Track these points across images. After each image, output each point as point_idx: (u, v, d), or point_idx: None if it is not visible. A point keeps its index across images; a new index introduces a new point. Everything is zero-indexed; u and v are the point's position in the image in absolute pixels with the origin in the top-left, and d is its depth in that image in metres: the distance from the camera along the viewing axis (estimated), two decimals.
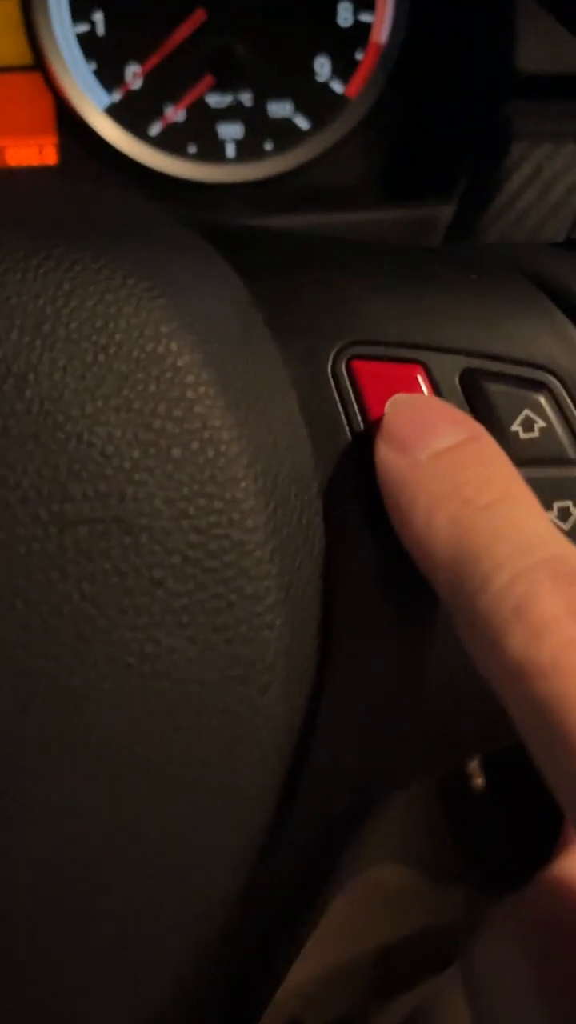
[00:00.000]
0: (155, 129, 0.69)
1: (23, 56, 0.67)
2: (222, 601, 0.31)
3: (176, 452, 0.31)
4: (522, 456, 0.34)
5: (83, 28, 0.67)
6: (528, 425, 0.34)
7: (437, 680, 0.34)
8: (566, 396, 0.34)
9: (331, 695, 0.33)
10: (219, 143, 0.69)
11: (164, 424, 0.31)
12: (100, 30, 0.67)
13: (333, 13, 0.68)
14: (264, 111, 0.69)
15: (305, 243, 0.37)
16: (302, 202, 0.67)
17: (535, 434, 0.34)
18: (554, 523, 0.34)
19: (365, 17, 0.68)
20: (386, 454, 0.32)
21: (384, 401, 0.34)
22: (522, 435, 0.34)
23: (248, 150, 0.69)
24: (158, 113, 0.69)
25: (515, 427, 0.34)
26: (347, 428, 0.34)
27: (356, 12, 0.68)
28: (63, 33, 0.67)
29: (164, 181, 0.69)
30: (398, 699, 0.34)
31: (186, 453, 0.31)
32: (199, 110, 0.69)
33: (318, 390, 0.34)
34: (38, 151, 0.69)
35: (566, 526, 0.34)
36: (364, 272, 0.35)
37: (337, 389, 0.34)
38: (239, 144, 0.69)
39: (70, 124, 0.68)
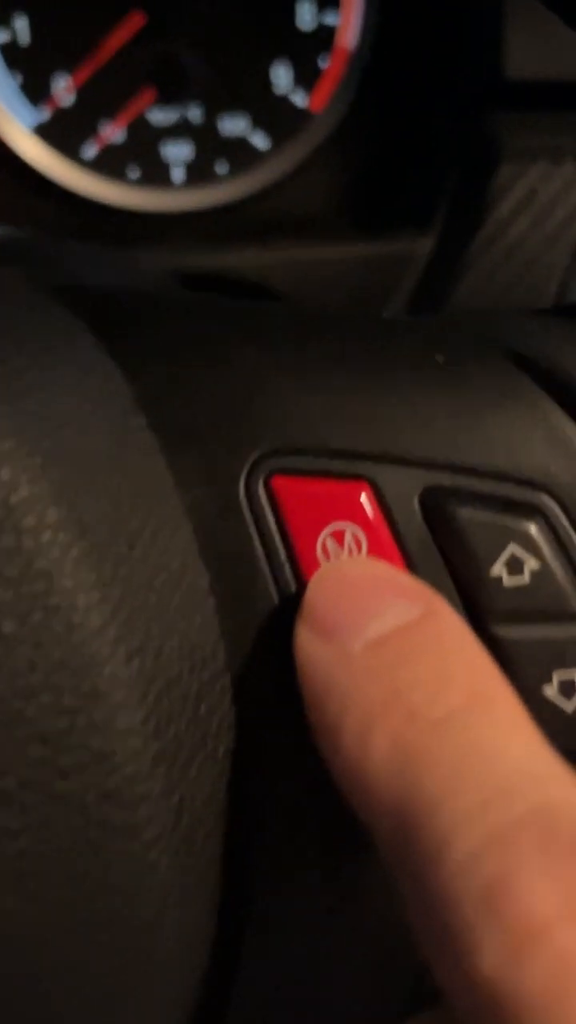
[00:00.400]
0: (90, 151, 0.60)
1: None
2: (79, 839, 0.22)
3: (8, 627, 0.22)
4: (507, 610, 0.25)
5: (4, 36, 0.58)
6: (515, 567, 0.25)
7: (386, 936, 0.24)
8: (567, 524, 0.25)
9: (247, 955, 0.24)
10: (164, 166, 0.61)
11: None
12: (24, 38, 0.58)
13: (292, 14, 0.59)
14: (215, 128, 0.60)
15: (209, 314, 0.27)
16: (259, 233, 0.58)
17: (524, 579, 0.25)
18: (553, 703, 0.25)
19: (330, 19, 0.59)
20: (307, 642, 0.23)
21: (317, 534, 0.25)
22: (507, 581, 0.25)
23: (197, 174, 0.61)
24: (93, 132, 0.59)
25: (497, 570, 0.25)
26: (267, 572, 0.25)
27: (319, 13, 0.59)
28: None
29: (101, 211, 0.60)
30: (334, 958, 0.25)
31: (23, 628, 0.22)
32: (140, 128, 0.60)
33: (226, 520, 0.25)
34: None
35: (570, 706, 0.24)
36: (289, 353, 0.26)
37: (253, 517, 0.25)
38: (187, 167, 0.60)
39: None
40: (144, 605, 0.23)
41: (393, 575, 0.24)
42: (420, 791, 0.20)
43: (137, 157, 0.60)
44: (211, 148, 0.61)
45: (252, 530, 0.25)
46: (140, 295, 0.29)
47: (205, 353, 0.26)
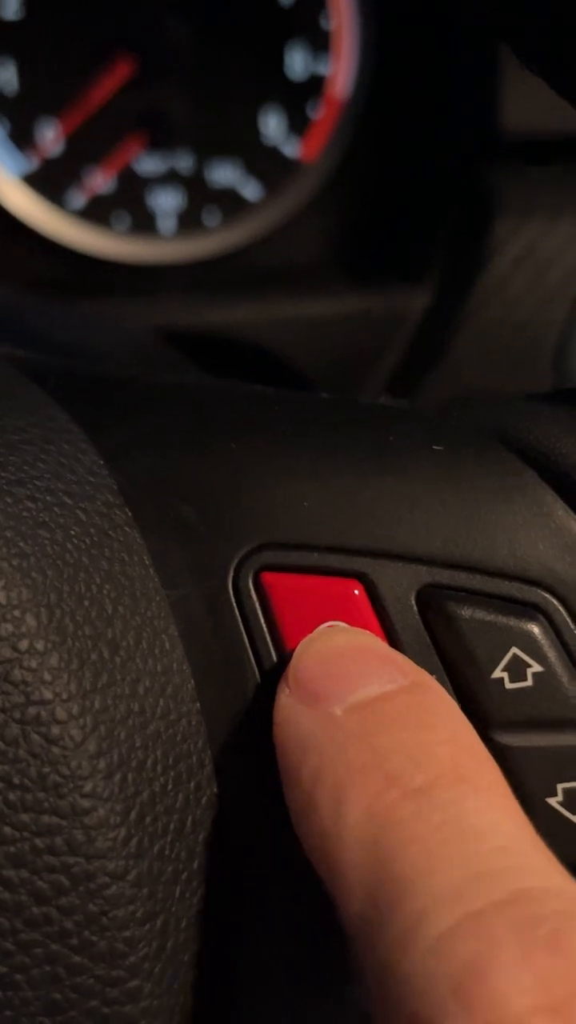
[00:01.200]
0: (77, 200, 0.59)
1: None
2: (58, 966, 0.21)
3: None
4: (509, 716, 0.23)
5: None
6: (517, 670, 0.23)
7: None
8: (571, 624, 0.24)
9: None
10: (152, 216, 0.59)
11: None
12: (11, 86, 0.57)
13: (282, 62, 0.58)
14: (205, 178, 0.59)
15: (194, 400, 0.26)
16: (249, 286, 0.57)
17: (527, 683, 0.23)
18: (558, 813, 0.23)
19: (321, 68, 0.58)
20: (288, 707, 0.22)
21: (308, 632, 0.23)
22: (508, 684, 0.23)
23: (187, 224, 0.59)
24: (80, 181, 0.58)
25: (498, 673, 0.23)
26: (256, 674, 0.23)
27: (310, 61, 0.58)
28: None
29: (87, 262, 0.58)
30: None
31: None
32: (128, 177, 0.58)
33: (214, 619, 0.24)
34: None
35: None
36: (277, 443, 0.25)
37: (242, 615, 0.24)
38: (176, 217, 0.59)
39: None
40: (127, 715, 0.22)
41: (382, 648, 0.23)
42: (394, 866, 0.19)
43: (125, 206, 0.59)
44: (201, 197, 0.60)
45: (241, 630, 0.24)
46: (125, 378, 0.27)
47: (190, 444, 0.25)
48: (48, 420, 0.24)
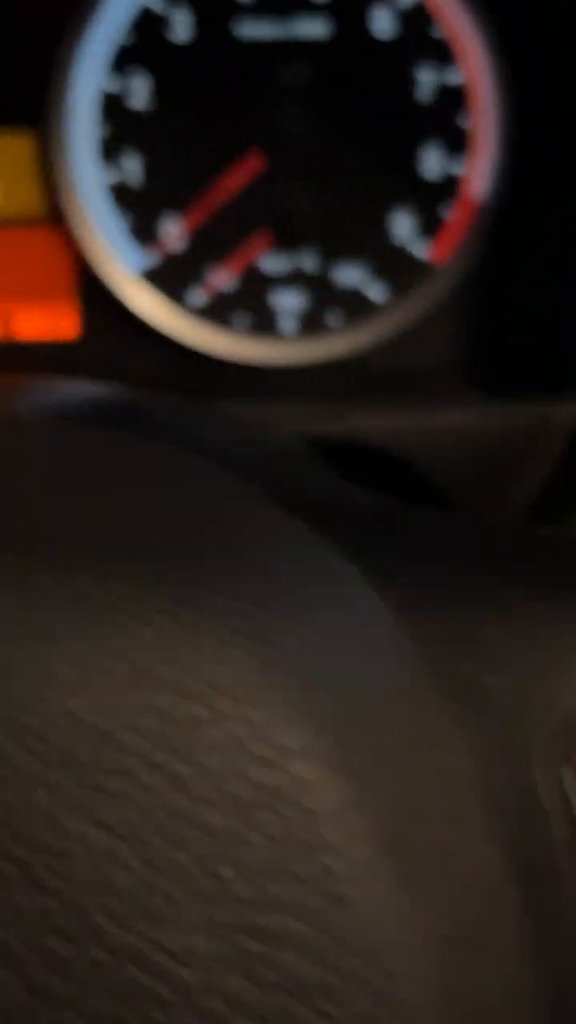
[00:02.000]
0: (197, 298, 0.56)
1: (35, 206, 0.55)
2: None
3: (316, 904, 0.17)
4: None
5: (114, 176, 0.55)
6: None
7: None
8: None
9: None
10: (274, 316, 0.56)
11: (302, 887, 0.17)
12: (135, 179, 0.55)
13: (415, 160, 0.56)
14: (329, 278, 0.56)
15: (478, 542, 0.23)
16: (374, 392, 0.54)
17: None
18: None
19: (456, 168, 0.56)
20: None
21: None
22: None
23: (309, 325, 0.56)
24: (201, 279, 0.56)
25: None
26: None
27: (445, 161, 0.56)
28: (88, 180, 0.54)
29: (206, 362, 0.56)
30: None
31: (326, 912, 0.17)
32: (251, 276, 0.56)
33: (523, 807, 0.20)
34: (53, 321, 0.56)
35: None
36: None
37: (562, 806, 0.20)
38: (298, 318, 0.56)
39: (94, 290, 0.55)
40: (462, 942, 0.19)
41: None
42: None
43: (246, 306, 0.57)
44: (324, 298, 0.57)
45: (557, 825, 0.21)
46: (390, 508, 0.25)
47: (487, 599, 0.22)
48: (338, 576, 0.21)
